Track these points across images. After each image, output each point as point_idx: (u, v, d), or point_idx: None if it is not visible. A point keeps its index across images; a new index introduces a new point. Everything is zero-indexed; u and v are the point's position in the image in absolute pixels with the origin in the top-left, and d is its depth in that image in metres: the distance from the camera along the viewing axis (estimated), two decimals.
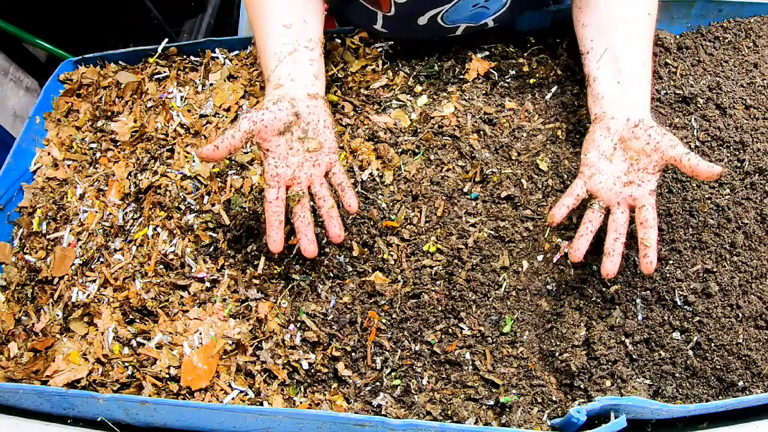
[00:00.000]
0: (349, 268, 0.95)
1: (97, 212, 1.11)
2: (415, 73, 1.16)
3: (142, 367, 0.91)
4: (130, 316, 0.98)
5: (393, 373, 0.88)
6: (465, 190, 0.99)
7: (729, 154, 0.97)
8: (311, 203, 0.89)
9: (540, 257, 0.94)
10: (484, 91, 1.11)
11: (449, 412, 0.83)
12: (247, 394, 0.89)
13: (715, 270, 0.89)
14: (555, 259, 0.93)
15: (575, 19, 0.99)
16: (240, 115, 0.84)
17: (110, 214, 1.10)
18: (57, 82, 1.33)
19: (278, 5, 0.95)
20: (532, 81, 1.10)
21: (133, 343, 0.95)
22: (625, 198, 0.84)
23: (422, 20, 1.08)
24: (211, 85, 1.22)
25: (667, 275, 0.89)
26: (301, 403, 0.87)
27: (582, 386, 0.83)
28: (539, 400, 0.84)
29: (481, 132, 1.04)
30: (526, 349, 0.88)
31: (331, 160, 0.89)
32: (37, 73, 2.05)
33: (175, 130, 1.16)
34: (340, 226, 0.88)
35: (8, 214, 1.20)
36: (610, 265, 0.82)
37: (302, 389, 0.89)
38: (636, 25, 0.90)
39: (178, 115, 1.17)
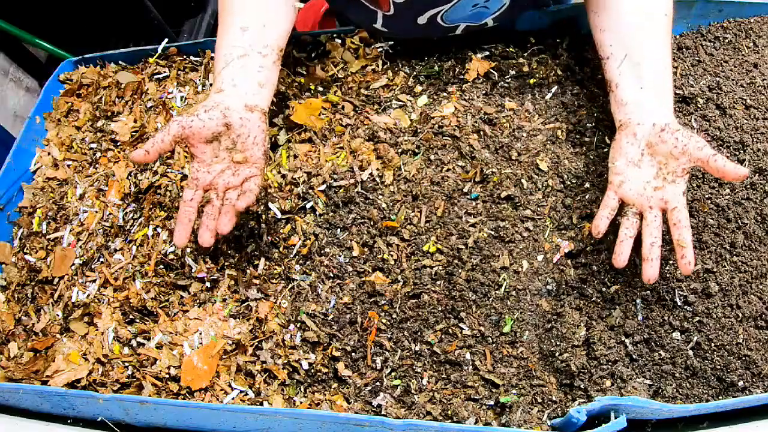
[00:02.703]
0: (349, 268, 0.95)
1: (97, 212, 1.11)
2: (415, 73, 1.16)
3: (142, 367, 0.91)
4: (130, 316, 0.98)
5: (393, 373, 0.88)
6: (465, 190, 0.99)
7: (729, 154, 0.97)
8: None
9: (540, 257, 0.94)
10: (484, 91, 1.11)
11: (449, 412, 0.83)
12: (247, 394, 0.89)
13: (715, 270, 0.89)
14: (555, 259, 0.93)
15: (592, 23, 0.98)
16: (173, 118, 0.84)
17: (110, 214, 1.10)
18: (57, 82, 1.33)
19: (241, 6, 0.92)
20: (532, 81, 1.10)
21: (133, 343, 0.95)
22: (657, 202, 0.84)
23: (422, 19, 1.08)
24: (211, 85, 1.22)
25: (667, 275, 0.89)
26: (301, 403, 0.87)
27: (582, 386, 0.83)
28: (539, 400, 0.84)
29: (481, 132, 1.04)
30: (526, 349, 0.88)
31: (252, 173, 0.88)
32: (37, 73, 2.05)
33: None
34: (219, 231, 0.86)
35: (8, 214, 1.20)
36: (650, 270, 0.82)
37: (302, 389, 0.89)
38: (653, 27, 0.90)
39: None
